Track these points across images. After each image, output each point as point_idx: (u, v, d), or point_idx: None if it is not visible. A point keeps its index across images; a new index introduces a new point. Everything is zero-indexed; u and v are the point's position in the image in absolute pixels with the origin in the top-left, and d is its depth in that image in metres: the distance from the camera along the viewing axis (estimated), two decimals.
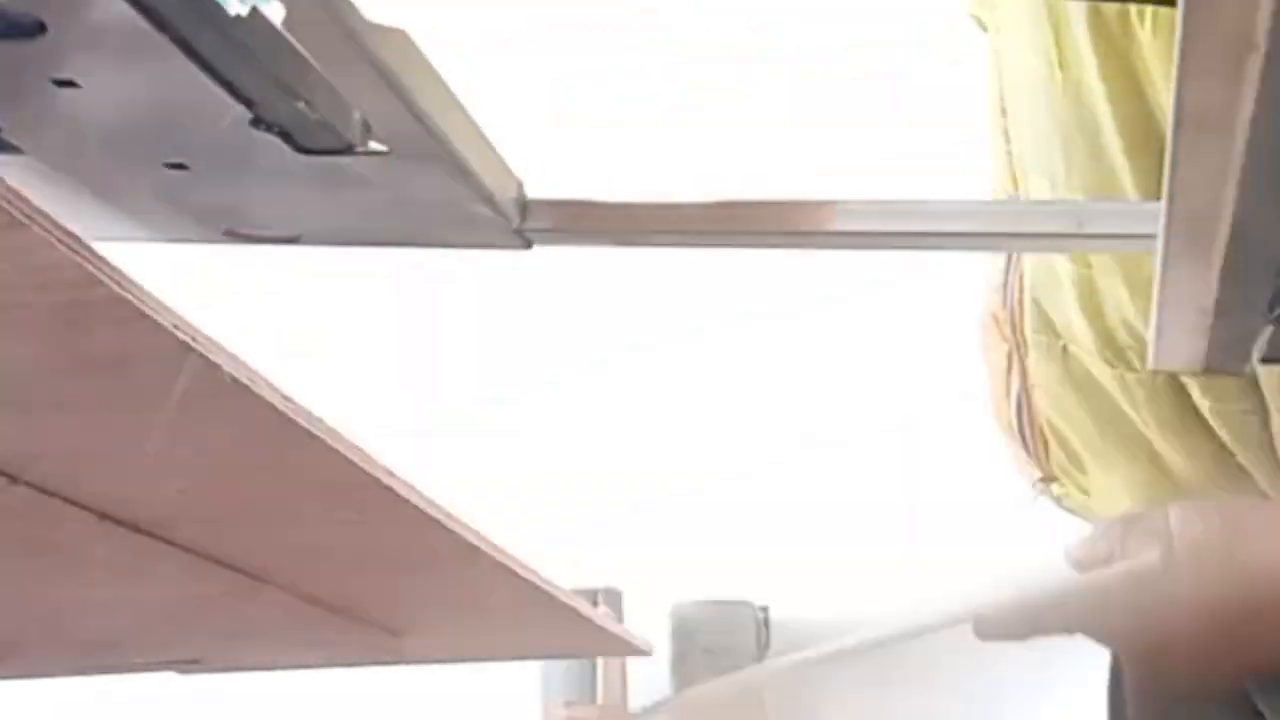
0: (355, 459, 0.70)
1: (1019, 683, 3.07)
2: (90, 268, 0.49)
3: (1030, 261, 1.24)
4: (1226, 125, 0.61)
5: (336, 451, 0.68)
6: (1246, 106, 0.59)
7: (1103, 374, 1.21)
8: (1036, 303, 1.26)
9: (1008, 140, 1.26)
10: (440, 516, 0.81)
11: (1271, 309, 0.75)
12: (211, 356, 0.56)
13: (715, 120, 3.22)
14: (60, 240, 0.48)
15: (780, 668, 1.41)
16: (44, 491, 0.71)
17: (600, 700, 2.81)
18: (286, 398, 0.62)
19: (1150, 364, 0.82)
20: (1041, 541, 1.18)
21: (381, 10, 0.73)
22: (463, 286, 3.21)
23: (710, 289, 3.24)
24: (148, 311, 0.52)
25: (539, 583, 0.98)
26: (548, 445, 3.25)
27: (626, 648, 1.28)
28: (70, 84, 0.72)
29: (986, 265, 1.34)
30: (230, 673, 1.37)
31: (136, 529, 0.79)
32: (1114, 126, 1.10)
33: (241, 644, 1.20)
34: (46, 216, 0.47)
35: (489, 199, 0.87)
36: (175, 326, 0.54)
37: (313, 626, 1.06)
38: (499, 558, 0.91)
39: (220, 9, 0.71)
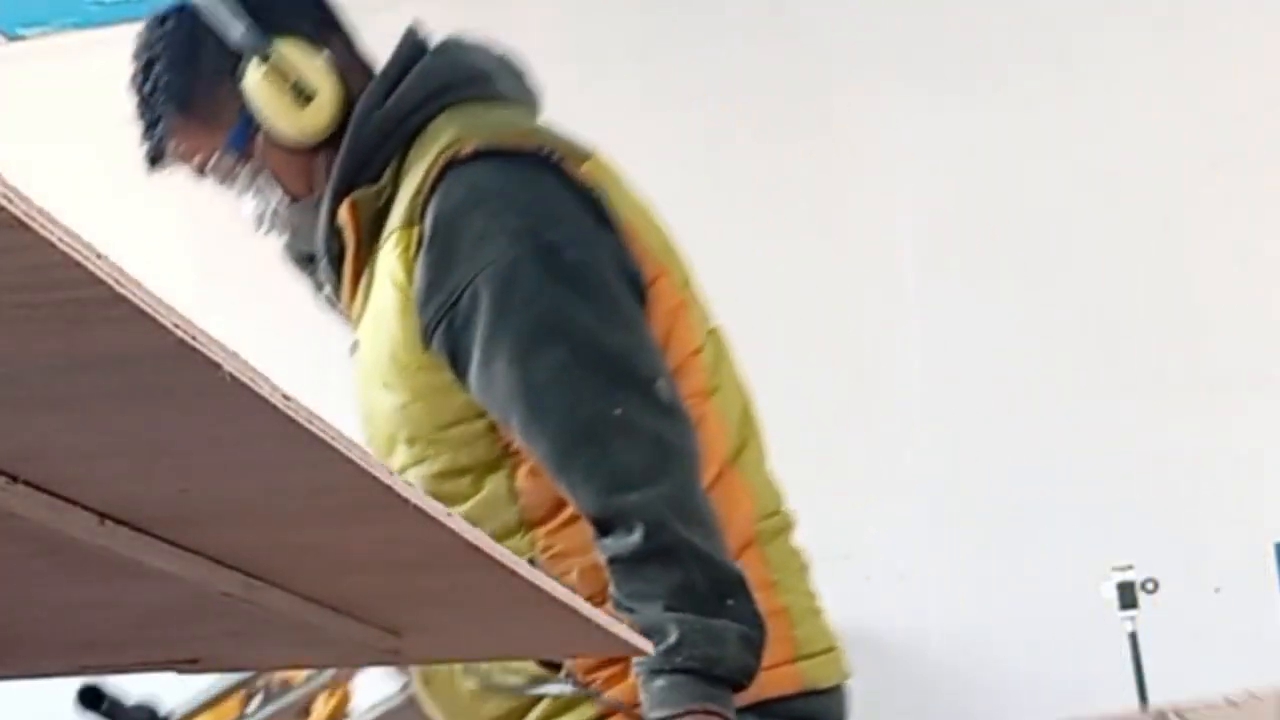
0: (355, 458, 0.70)
1: None
2: (90, 267, 0.49)
3: None
4: None
5: (336, 451, 0.68)
6: None
7: None
8: None
9: None
10: (440, 516, 0.81)
11: None
12: (212, 355, 0.56)
13: None
14: (60, 240, 0.48)
15: None
16: (44, 491, 0.71)
17: None
18: (287, 397, 0.62)
19: None
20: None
21: None
22: None
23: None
24: (147, 310, 0.52)
25: (539, 583, 0.98)
26: None
27: (626, 648, 1.28)
28: None
29: None
30: (230, 672, 1.36)
31: (136, 529, 0.79)
32: None
33: (241, 644, 1.19)
34: (47, 216, 0.47)
35: None
36: (175, 325, 0.54)
37: (313, 626, 1.05)
38: (499, 558, 0.91)
39: None
